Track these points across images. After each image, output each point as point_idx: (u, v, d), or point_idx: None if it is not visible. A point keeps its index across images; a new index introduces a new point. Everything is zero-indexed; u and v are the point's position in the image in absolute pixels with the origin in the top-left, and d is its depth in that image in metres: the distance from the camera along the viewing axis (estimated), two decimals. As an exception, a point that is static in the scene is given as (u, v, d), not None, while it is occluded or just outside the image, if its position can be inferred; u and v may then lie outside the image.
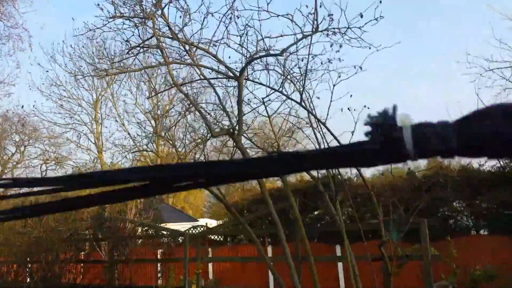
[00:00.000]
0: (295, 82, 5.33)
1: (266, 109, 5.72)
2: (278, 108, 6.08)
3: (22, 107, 21.41)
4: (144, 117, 22.38)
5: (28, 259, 7.35)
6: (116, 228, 7.94)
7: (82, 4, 33.34)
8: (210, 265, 8.63)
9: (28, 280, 7.21)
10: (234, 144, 4.97)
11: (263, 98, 5.44)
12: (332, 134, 4.96)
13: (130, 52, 5.17)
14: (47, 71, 21.72)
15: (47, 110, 25.54)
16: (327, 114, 5.13)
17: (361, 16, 4.51)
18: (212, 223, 18.33)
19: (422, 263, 5.61)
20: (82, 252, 7.96)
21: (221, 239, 11.69)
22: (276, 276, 4.45)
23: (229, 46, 5.27)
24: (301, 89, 5.01)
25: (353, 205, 5.64)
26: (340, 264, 9.48)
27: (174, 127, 6.90)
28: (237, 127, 4.78)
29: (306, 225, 11.53)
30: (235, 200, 20.14)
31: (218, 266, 9.07)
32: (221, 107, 5.13)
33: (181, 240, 9.49)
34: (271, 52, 4.97)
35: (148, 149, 7.95)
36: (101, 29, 5.50)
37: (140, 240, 8.19)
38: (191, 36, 5.36)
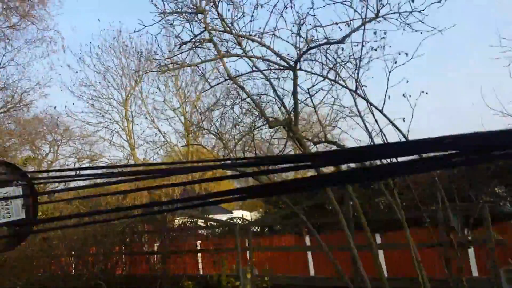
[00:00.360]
0: (349, 71, 5.31)
1: (311, 99, 5.74)
2: (324, 97, 6.10)
3: (55, 107, 21.93)
4: (173, 114, 22.78)
5: (85, 252, 7.64)
6: (165, 221, 8.15)
7: (107, 5, 33.88)
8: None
9: (85, 271, 7.49)
10: (291, 134, 5.01)
11: (308, 89, 5.41)
12: (391, 122, 4.93)
13: (182, 47, 5.26)
14: (77, 72, 22.21)
15: (79, 110, 26.08)
16: (384, 101, 5.10)
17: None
18: (247, 214, 18.50)
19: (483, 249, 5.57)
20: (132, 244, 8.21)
21: (258, 229, 11.81)
22: (358, 264, 4.46)
23: (278, 37, 5.29)
24: (356, 77, 5.01)
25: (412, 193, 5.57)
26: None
27: (220, 120, 6.98)
28: (293, 117, 4.83)
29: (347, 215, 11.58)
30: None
31: (258, 256, 9.11)
32: (277, 97, 5.16)
33: (218, 231, 9.68)
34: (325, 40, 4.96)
35: (197, 144, 8.03)
36: (152, 26, 5.60)
37: (189, 231, 8.39)
38: (241, 29, 5.43)
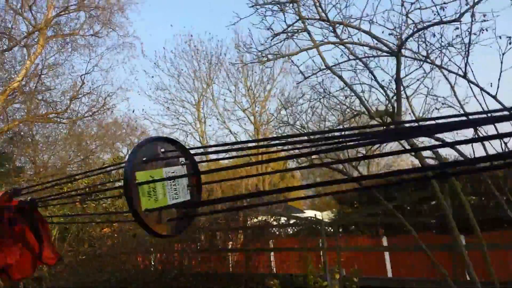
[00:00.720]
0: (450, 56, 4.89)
1: (400, 88, 5.33)
2: (418, 86, 5.67)
3: (133, 111, 23.12)
4: (243, 114, 23.06)
5: (171, 248, 7.79)
6: (246, 219, 8.13)
7: (178, 9, 35.15)
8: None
9: (169, 268, 7.61)
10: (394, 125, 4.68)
11: (400, 76, 5.01)
12: (504, 107, 4.45)
13: (275, 39, 5.16)
14: (152, 77, 23.27)
15: (155, 112, 27.33)
16: (498, 86, 4.62)
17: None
18: (319, 214, 18.12)
19: None
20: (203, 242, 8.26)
21: (331, 230, 11.37)
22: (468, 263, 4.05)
23: (375, 23, 5.00)
24: (465, 61, 4.58)
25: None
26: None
27: (306, 114, 6.79)
28: (396, 107, 4.51)
29: (425, 215, 10.90)
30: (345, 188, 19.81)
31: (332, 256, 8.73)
32: (379, 86, 4.86)
33: (296, 229, 9.45)
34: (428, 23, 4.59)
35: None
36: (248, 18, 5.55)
37: (273, 229, 8.30)
38: (334, 16, 5.20)
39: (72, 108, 16.18)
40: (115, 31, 16.93)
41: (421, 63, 4.94)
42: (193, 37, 23.62)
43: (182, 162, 1.17)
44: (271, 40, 5.27)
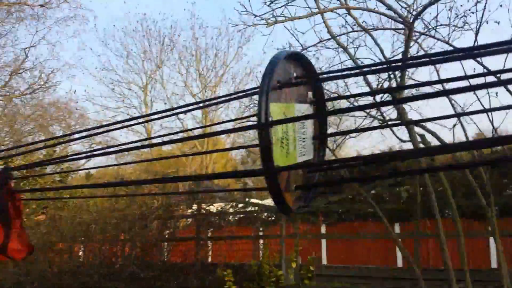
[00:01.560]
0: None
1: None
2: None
3: (75, 91, 21.68)
4: (192, 99, 22.34)
5: (122, 237, 7.23)
6: (200, 205, 7.68)
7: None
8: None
9: (120, 259, 7.09)
10: (395, 103, 4.41)
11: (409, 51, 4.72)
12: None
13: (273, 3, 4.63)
14: (99, 56, 21.89)
15: (98, 94, 25.88)
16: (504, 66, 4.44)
17: None
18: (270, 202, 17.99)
19: None
20: (170, 230, 7.76)
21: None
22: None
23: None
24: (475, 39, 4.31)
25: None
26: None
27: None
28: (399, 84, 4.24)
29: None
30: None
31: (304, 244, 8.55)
32: (385, 58, 4.56)
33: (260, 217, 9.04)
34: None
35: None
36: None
37: (231, 217, 7.90)
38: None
39: (10, 85, 14.77)
40: (67, 2, 15.48)
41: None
42: (146, 15, 22.39)
43: (310, 99, 0.77)
44: (269, 5, 4.77)
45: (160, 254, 7.18)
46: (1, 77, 14.27)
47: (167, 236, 7.40)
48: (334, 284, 6.39)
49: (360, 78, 4.93)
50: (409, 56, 4.09)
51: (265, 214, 7.89)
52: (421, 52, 4.87)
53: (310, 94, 0.79)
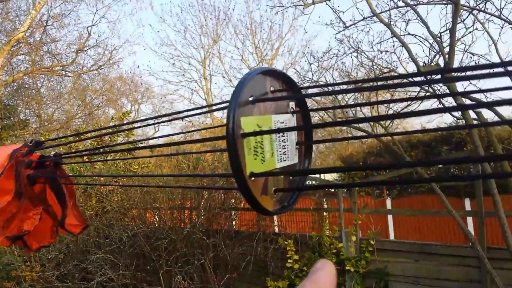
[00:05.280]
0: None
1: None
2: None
3: (138, 67, 22.63)
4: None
5: (188, 205, 7.62)
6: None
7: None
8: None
9: (182, 225, 7.47)
10: (444, 82, 4.28)
11: (456, 27, 4.55)
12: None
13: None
14: (158, 31, 22.54)
15: (160, 69, 26.80)
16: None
17: None
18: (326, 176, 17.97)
19: None
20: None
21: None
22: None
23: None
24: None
25: None
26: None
27: (333, 70, 6.35)
28: (448, 62, 4.07)
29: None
30: (350, 153, 19.60)
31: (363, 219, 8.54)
32: (432, 37, 4.39)
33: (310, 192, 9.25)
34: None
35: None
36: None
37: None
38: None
39: (78, 61, 15.70)
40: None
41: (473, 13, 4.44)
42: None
43: (292, 110, 0.83)
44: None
45: (225, 222, 7.49)
46: (69, 55, 15.17)
47: (231, 205, 7.68)
48: (396, 259, 6.36)
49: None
50: (457, 31, 3.87)
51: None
52: (478, 25, 4.60)
53: (292, 104, 0.84)
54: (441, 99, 4.35)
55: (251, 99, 0.70)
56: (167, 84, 23.00)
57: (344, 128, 15.43)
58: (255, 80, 0.72)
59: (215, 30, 22.48)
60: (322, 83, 6.11)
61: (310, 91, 0.99)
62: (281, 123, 0.79)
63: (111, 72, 18.05)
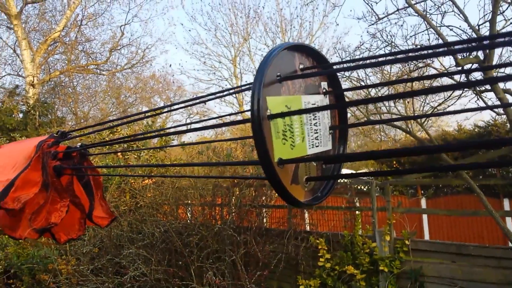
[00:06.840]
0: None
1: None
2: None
3: (170, 65, 22.99)
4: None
5: (219, 202, 7.64)
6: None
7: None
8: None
9: (214, 222, 7.48)
10: (482, 74, 4.08)
11: (496, 17, 4.32)
12: None
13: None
14: (190, 30, 22.78)
15: (191, 67, 27.12)
16: None
17: None
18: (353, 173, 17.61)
19: None
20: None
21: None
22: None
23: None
24: None
25: None
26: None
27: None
28: (488, 53, 3.86)
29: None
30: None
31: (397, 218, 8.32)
32: (470, 27, 4.19)
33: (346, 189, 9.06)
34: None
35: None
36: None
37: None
38: None
39: (112, 60, 16.06)
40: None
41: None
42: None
43: (325, 90, 0.76)
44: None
45: (256, 219, 7.46)
46: (103, 54, 15.52)
47: (262, 203, 7.64)
48: (431, 260, 6.13)
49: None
50: (496, 22, 3.63)
51: (356, 185, 7.75)
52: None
53: (324, 84, 0.75)
54: (480, 96, 4.14)
55: (278, 77, 0.64)
56: (198, 83, 23.16)
57: (377, 126, 15.08)
58: (281, 56, 0.65)
59: (245, 28, 22.52)
60: (354, 78, 5.96)
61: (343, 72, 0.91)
62: (312, 104, 0.72)
63: (144, 70, 18.42)
